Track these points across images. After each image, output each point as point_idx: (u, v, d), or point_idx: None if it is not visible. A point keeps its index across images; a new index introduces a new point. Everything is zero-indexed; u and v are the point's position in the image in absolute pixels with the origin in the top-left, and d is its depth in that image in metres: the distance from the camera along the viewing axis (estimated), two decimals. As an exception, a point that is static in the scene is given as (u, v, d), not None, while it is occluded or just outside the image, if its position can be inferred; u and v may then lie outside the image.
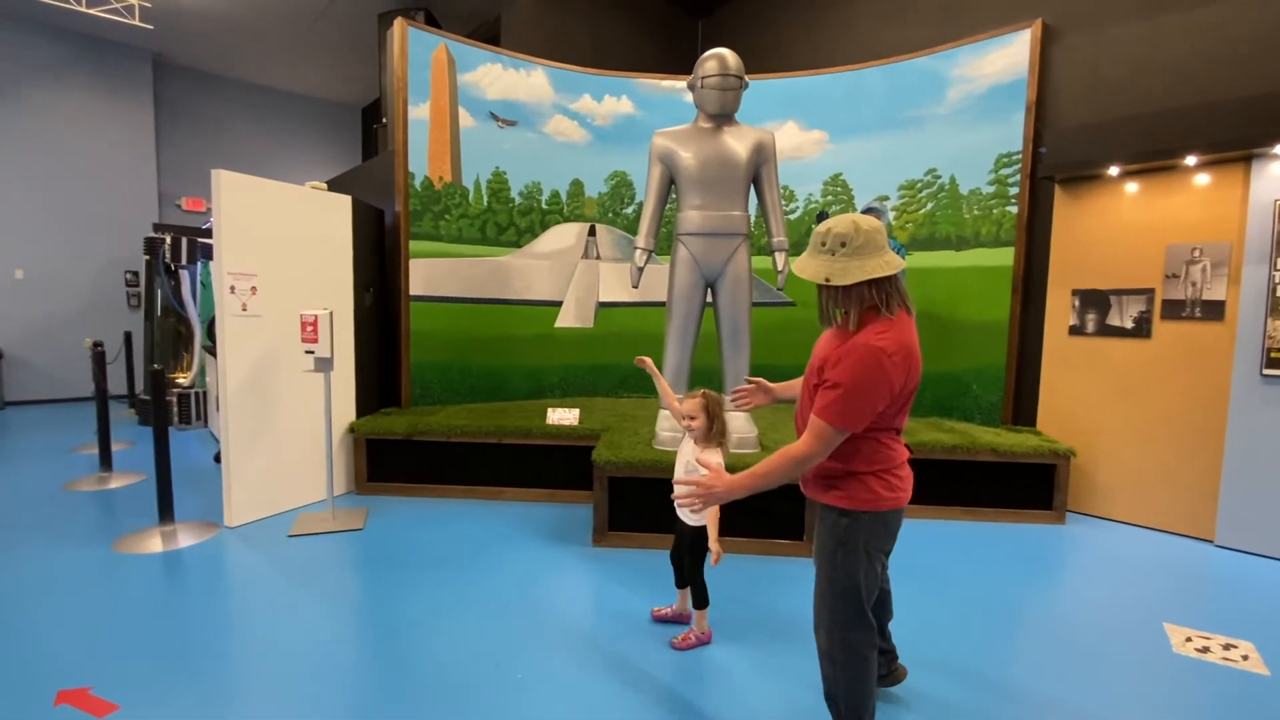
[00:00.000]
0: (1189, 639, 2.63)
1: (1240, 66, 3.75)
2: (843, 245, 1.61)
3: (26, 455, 5.38)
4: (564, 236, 5.61)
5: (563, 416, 4.37)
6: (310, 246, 4.12)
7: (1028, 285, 4.57)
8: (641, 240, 3.82)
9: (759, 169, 3.76)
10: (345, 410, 4.38)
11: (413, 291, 4.87)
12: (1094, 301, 4.20)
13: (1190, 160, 3.74)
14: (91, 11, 6.36)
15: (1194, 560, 3.52)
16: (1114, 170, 4.00)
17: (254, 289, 3.76)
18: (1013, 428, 4.51)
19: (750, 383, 2.16)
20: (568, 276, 5.62)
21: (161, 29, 7.66)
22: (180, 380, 6.79)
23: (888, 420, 1.69)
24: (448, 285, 5.06)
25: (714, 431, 2.38)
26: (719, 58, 3.61)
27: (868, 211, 4.41)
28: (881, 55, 5.26)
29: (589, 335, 5.68)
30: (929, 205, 4.97)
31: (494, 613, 2.77)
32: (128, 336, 7.19)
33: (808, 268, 1.68)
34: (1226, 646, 2.57)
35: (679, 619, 2.68)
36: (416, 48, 4.77)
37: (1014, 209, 4.55)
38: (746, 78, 3.69)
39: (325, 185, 4.43)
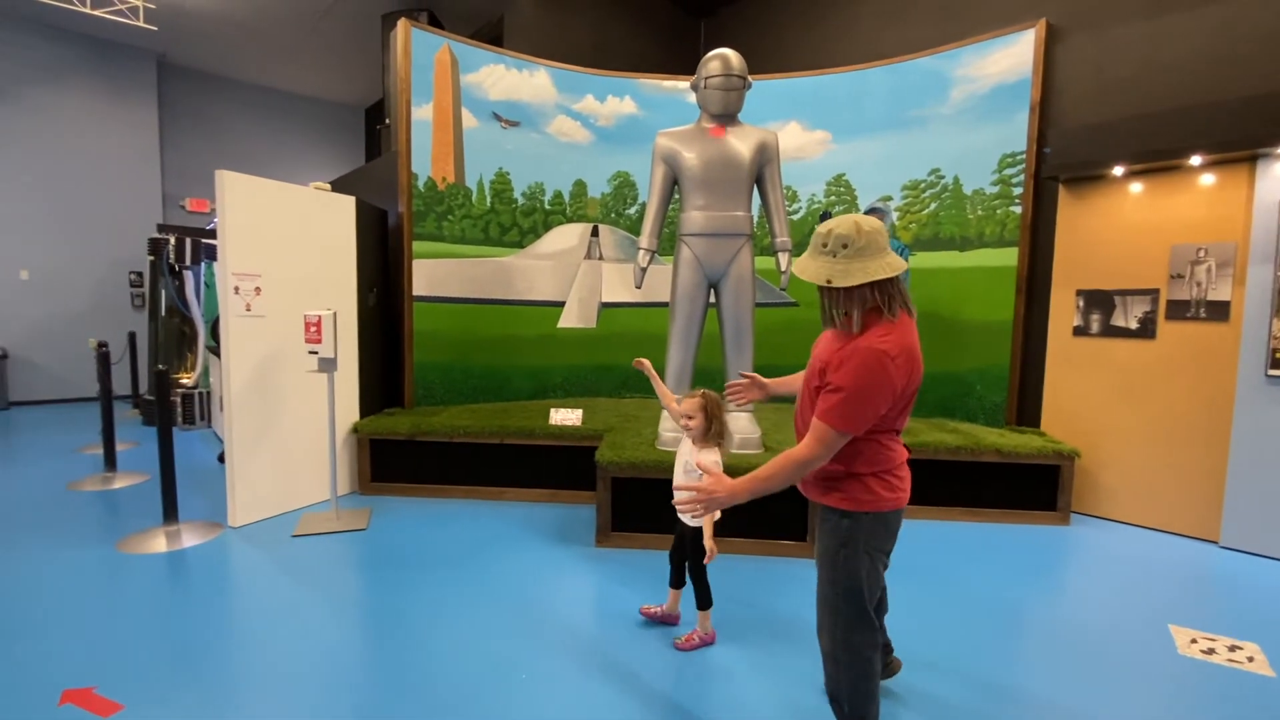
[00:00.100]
0: (1194, 640, 2.62)
1: (1245, 66, 3.74)
2: (844, 247, 1.60)
3: (31, 455, 5.40)
4: (567, 237, 5.61)
5: (565, 417, 4.37)
6: (314, 247, 4.13)
7: (1032, 286, 4.56)
8: (645, 241, 3.82)
9: (762, 169, 3.76)
10: (349, 410, 4.39)
11: (416, 292, 4.88)
12: (1098, 302, 4.19)
13: (1195, 160, 3.73)
14: (96, 13, 6.38)
15: (1199, 561, 3.51)
16: (1118, 170, 3.99)
17: (258, 289, 3.76)
18: (1017, 428, 4.50)
19: (745, 378, 2.16)
20: (570, 277, 5.62)
21: (165, 30, 7.68)
22: (184, 380, 6.81)
23: (889, 422, 1.69)
24: (451, 286, 5.07)
25: (712, 432, 2.39)
26: (722, 58, 3.61)
27: (871, 212, 4.41)
28: (884, 55, 5.25)
29: (592, 336, 5.68)
30: (933, 205, 4.97)
31: (497, 613, 2.77)
32: (132, 337, 7.22)
33: (809, 269, 1.67)
34: (1232, 648, 2.56)
35: (667, 619, 2.67)
36: (420, 48, 4.78)
37: (1018, 209, 4.54)
38: (750, 78, 3.69)
39: (329, 186, 4.43)
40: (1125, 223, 4.08)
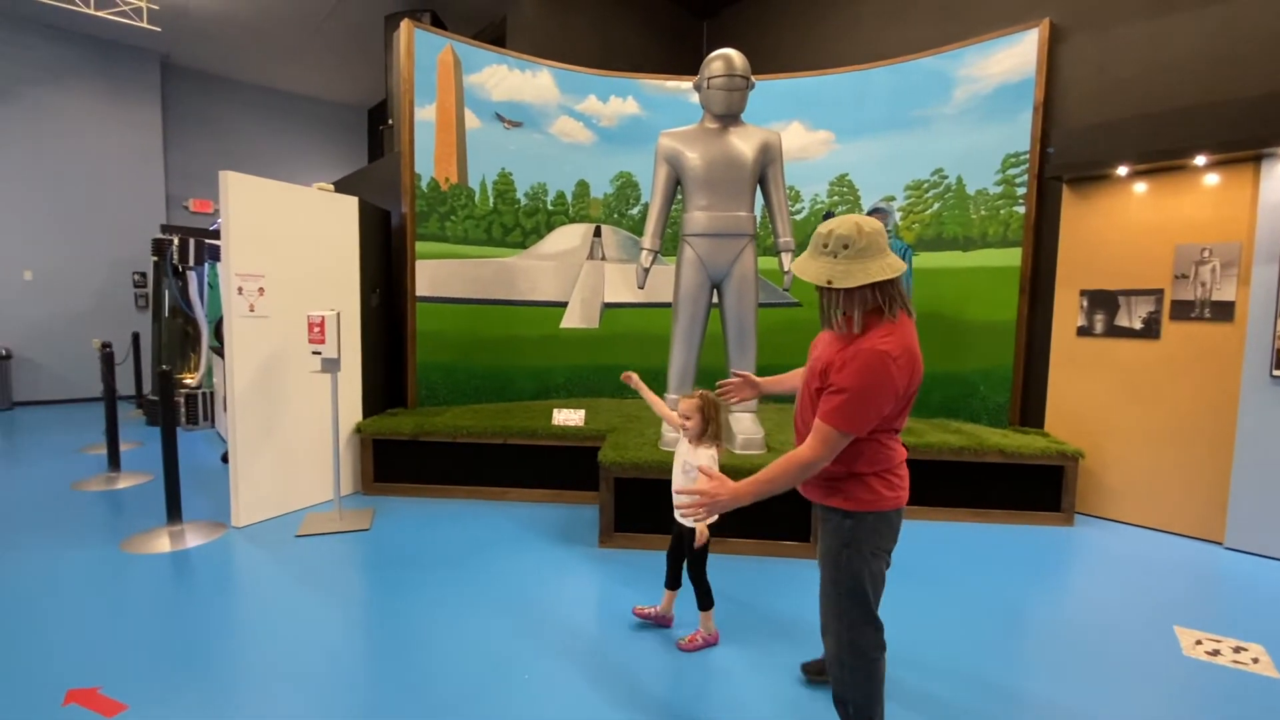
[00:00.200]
0: (1199, 642, 2.61)
1: (1249, 66, 3.73)
2: (845, 247, 1.59)
3: (35, 455, 5.41)
4: (569, 237, 5.62)
5: (568, 417, 4.37)
6: (317, 247, 4.14)
7: (1035, 286, 4.55)
8: (648, 241, 3.82)
9: (765, 169, 3.76)
10: (352, 411, 4.40)
11: (419, 292, 4.88)
12: (1102, 302, 4.18)
13: (1199, 160, 3.72)
14: (99, 14, 6.39)
15: (1203, 562, 3.50)
16: (1122, 170, 3.98)
17: (261, 290, 3.77)
18: (1020, 429, 4.49)
19: (737, 376, 2.17)
20: (573, 277, 5.62)
21: (169, 31, 7.70)
22: (188, 381, 6.82)
23: (889, 422, 1.69)
24: (454, 286, 5.07)
25: (708, 433, 2.39)
26: (725, 58, 3.61)
27: (874, 212, 4.40)
28: (887, 55, 5.25)
29: (594, 336, 5.68)
30: (936, 206, 4.96)
31: (500, 613, 2.77)
32: (135, 337, 7.23)
33: (809, 269, 1.66)
34: (1237, 649, 2.55)
35: (661, 621, 2.67)
36: (423, 49, 4.79)
37: (1021, 209, 4.53)
38: (752, 78, 3.69)
39: (332, 186, 4.44)
40: (1129, 223, 4.07)
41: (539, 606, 2.84)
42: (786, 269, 3.77)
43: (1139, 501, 4.06)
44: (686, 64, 6.78)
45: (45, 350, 7.86)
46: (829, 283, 1.61)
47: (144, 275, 8.41)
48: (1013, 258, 4.58)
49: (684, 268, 3.75)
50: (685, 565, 2.55)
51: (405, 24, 4.72)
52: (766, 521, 3.45)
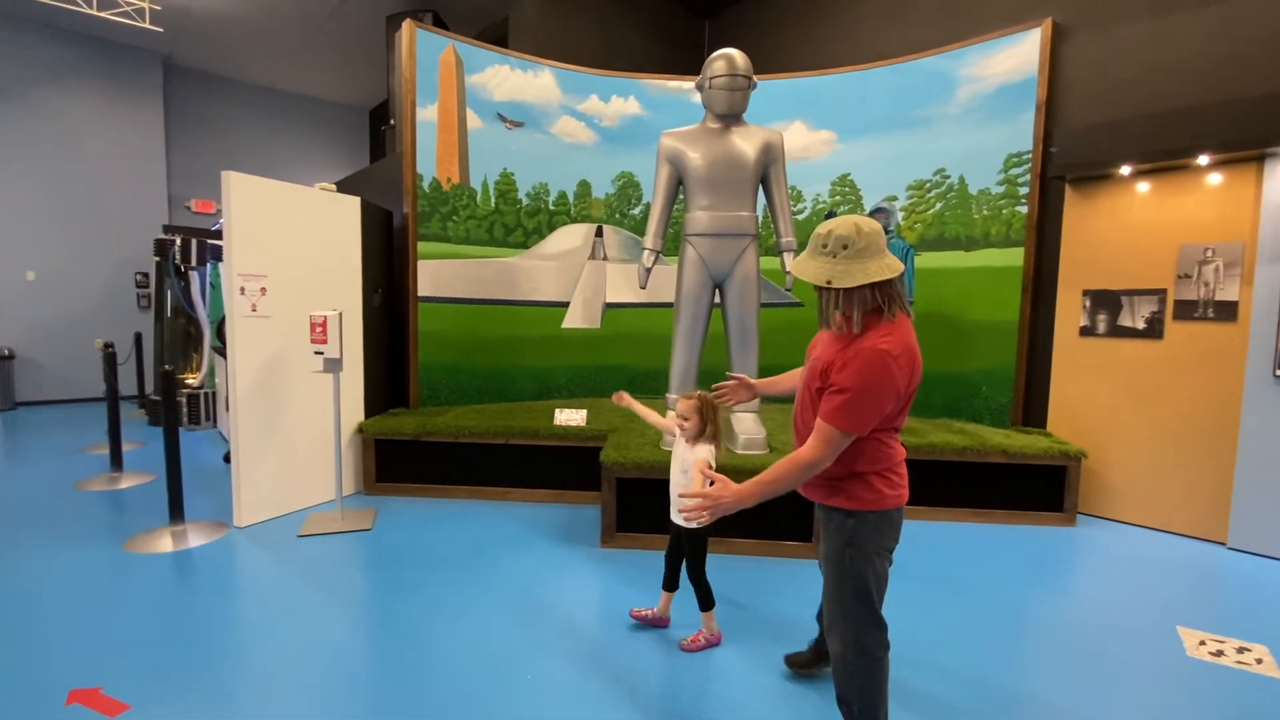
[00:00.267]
0: (1202, 642, 2.61)
1: (1252, 65, 3.72)
2: (844, 248, 1.60)
3: (38, 455, 5.42)
4: (571, 237, 5.62)
5: (570, 417, 4.37)
6: (319, 248, 4.14)
7: (1038, 286, 4.54)
8: (649, 241, 3.82)
9: (767, 169, 3.76)
10: (354, 411, 4.40)
11: (421, 292, 4.88)
12: (1105, 302, 4.17)
13: (1202, 160, 3.71)
14: (102, 15, 6.40)
15: (1206, 563, 3.49)
16: (1125, 170, 3.97)
17: (264, 290, 3.77)
18: (1023, 429, 4.49)
19: (732, 378, 2.17)
20: (575, 277, 5.62)
21: (171, 32, 7.72)
22: (190, 381, 6.83)
23: (889, 420, 1.69)
24: (455, 286, 5.07)
25: (706, 434, 2.40)
26: (727, 58, 3.60)
27: (876, 212, 4.40)
28: (889, 55, 5.24)
29: (596, 336, 5.68)
30: (938, 205, 4.95)
31: (502, 613, 2.77)
32: (138, 337, 7.24)
33: (808, 269, 1.66)
34: (1240, 650, 2.55)
35: (658, 623, 2.66)
36: (425, 49, 4.79)
37: (1024, 209, 4.52)
38: (754, 78, 3.69)
39: (334, 187, 4.44)
40: (1132, 222, 4.06)
41: (541, 606, 2.84)
42: (788, 269, 3.77)
43: (1142, 502, 4.05)
44: (688, 64, 6.78)
45: (48, 350, 7.87)
46: (828, 283, 1.62)
47: (146, 275, 8.42)
48: (1015, 258, 4.57)
49: (686, 268, 3.75)
50: (685, 566, 2.55)
51: (407, 24, 4.72)
52: (767, 521, 3.45)
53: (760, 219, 3.83)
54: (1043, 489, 4.03)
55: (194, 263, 6.30)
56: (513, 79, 5.22)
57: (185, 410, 6.55)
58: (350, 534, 3.67)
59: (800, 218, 5.39)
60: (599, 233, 5.68)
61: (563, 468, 4.29)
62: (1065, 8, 4.39)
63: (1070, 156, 4.15)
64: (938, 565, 3.37)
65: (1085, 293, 4.26)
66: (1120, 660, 2.48)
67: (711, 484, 1.73)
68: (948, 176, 4.89)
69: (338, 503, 3.89)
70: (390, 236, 5.01)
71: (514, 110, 5.26)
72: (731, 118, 3.71)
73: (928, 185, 4.99)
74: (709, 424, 2.39)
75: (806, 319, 5.38)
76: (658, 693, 2.22)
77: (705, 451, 2.37)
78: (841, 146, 5.31)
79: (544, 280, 5.51)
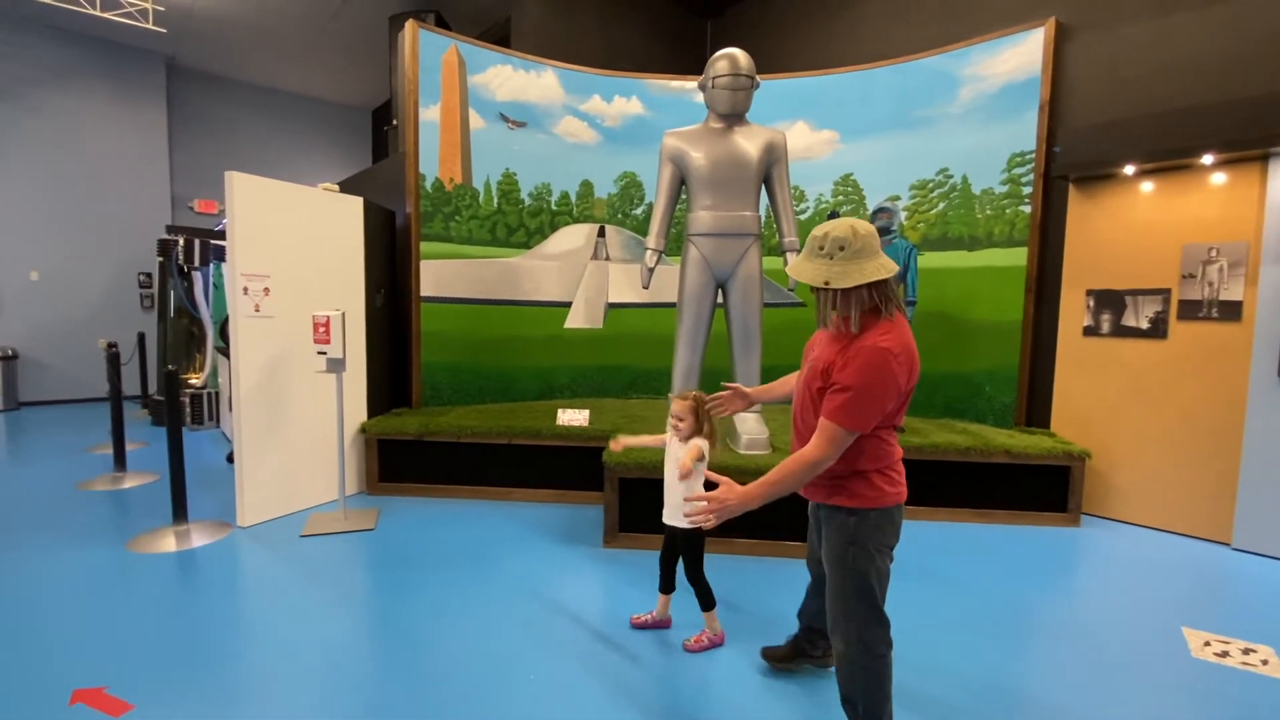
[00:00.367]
0: (1208, 643, 2.60)
1: (1257, 64, 3.71)
2: (841, 249, 1.63)
3: (41, 455, 5.43)
4: (573, 237, 5.62)
5: (573, 417, 4.37)
6: (322, 248, 4.14)
7: (1041, 285, 4.53)
8: (652, 241, 3.82)
9: (770, 169, 3.75)
10: (357, 411, 4.40)
11: (423, 292, 4.89)
12: (1109, 302, 4.16)
13: (1207, 159, 3.70)
14: (105, 15, 6.42)
15: (1211, 563, 3.48)
16: (1129, 169, 3.96)
17: (267, 290, 3.78)
18: (1026, 429, 4.48)
19: (727, 388, 2.18)
20: (577, 277, 5.62)
21: (174, 33, 7.73)
22: (193, 381, 6.84)
23: (889, 418, 1.71)
24: (458, 286, 5.08)
25: (703, 434, 2.41)
26: (730, 58, 3.60)
27: (879, 211, 4.40)
28: (892, 55, 5.23)
29: (598, 336, 5.68)
30: (941, 205, 4.94)
31: (505, 614, 2.77)
32: (141, 337, 7.25)
33: (805, 271, 1.70)
34: (1246, 651, 2.54)
35: (659, 625, 2.66)
36: (427, 50, 4.79)
37: (1027, 209, 4.51)
38: (757, 77, 3.68)
39: (337, 187, 4.45)
40: (1136, 222, 4.05)
41: (543, 607, 2.84)
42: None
43: (1146, 502, 4.04)
44: (690, 64, 6.78)
45: (51, 350, 7.89)
46: (826, 284, 1.65)
47: (149, 276, 8.44)
48: (1018, 257, 4.56)
49: (689, 268, 3.74)
50: (683, 568, 2.55)
51: (410, 25, 4.73)
52: (767, 521, 3.44)
53: (763, 219, 3.82)
54: (1046, 489, 4.02)
55: (197, 263, 6.32)
56: (515, 79, 5.22)
57: (188, 410, 6.57)
58: (353, 534, 3.67)
59: (803, 218, 5.38)
60: (601, 233, 5.68)
61: (565, 468, 4.29)
62: (1068, 7, 4.38)
63: (1074, 156, 4.15)
64: (941, 566, 3.37)
65: (1089, 292, 4.25)
66: (1125, 661, 2.47)
67: (714, 487, 1.73)
68: (951, 176, 4.88)
69: (340, 503, 3.90)
70: (393, 236, 5.02)
71: (516, 110, 5.26)
72: (734, 117, 3.71)
73: (931, 185, 4.98)
74: (704, 424, 2.41)
75: (809, 319, 5.34)
76: (660, 693, 2.22)
77: (699, 440, 2.37)
78: (844, 146, 5.30)
79: (546, 280, 5.51)
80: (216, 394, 6.71)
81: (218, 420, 6.72)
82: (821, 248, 1.67)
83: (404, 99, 4.85)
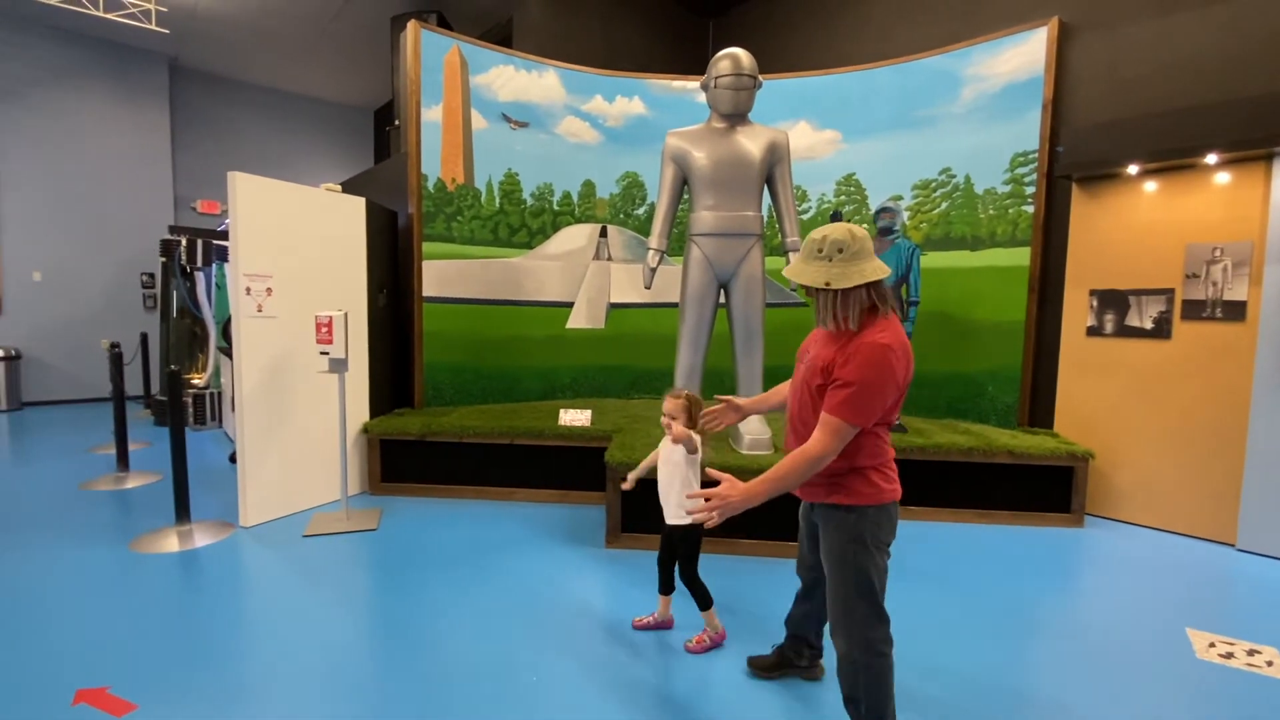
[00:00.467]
0: (1212, 644, 2.59)
1: (1260, 64, 3.70)
2: (840, 251, 1.69)
3: (44, 455, 5.44)
4: (575, 238, 5.62)
5: (575, 418, 4.37)
6: (325, 248, 4.15)
7: (1044, 285, 4.52)
8: (654, 241, 3.82)
9: (772, 169, 3.75)
10: (359, 411, 4.40)
11: (426, 293, 4.89)
12: (1112, 302, 4.15)
13: (1210, 159, 3.69)
14: (108, 16, 6.43)
15: (1215, 564, 3.47)
16: (1133, 169, 3.95)
17: (269, 290, 3.78)
18: (1029, 429, 4.47)
19: (720, 400, 2.19)
20: (579, 278, 5.62)
21: (177, 33, 7.74)
22: (196, 381, 6.85)
23: (886, 415, 1.75)
24: (460, 286, 5.08)
25: (695, 432, 2.40)
26: (733, 57, 3.60)
27: (882, 211, 4.39)
28: (894, 54, 5.23)
29: (600, 336, 5.67)
30: (943, 205, 4.94)
31: (507, 614, 2.76)
32: (144, 338, 7.26)
33: (805, 273, 1.74)
34: (1251, 652, 2.53)
35: (661, 626, 2.65)
36: (429, 50, 4.79)
37: (1030, 208, 4.50)
38: (760, 77, 3.68)
39: (339, 187, 4.45)
40: (1140, 222, 4.04)
41: (546, 607, 2.84)
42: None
43: (1149, 503, 4.03)
44: (692, 64, 6.78)
45: (54, 350, 7.91)
46: (826, 284, 1.69)
47: (152, 276, 8.45)
48: (1021, 257, 4.55)
49: (691, 268, 3.74)
50: (677, 567, 2.55)
51: (412, 25, 4.73)
52: (767, 522, 3.43)
53: (765, 219, 3.82)
54: (1050, 490, 4.01)
55: (199, 263, 6.32)
56: (517, 79, 5.23)
57: (191, 410, 6.58)
58: (355, 534, 3.67)
59: (805, 218, 5.37)
60: (603, 233, 5.68)
61: (567, 468, 4.29)
62: (1071, 7, 4.37)
63: (1077, 156, 4.14)
64: (943, 567, 3.36)
65: (1092, 292, 4.24)
66: (1129, 662, 2.46)
67: (716, 485, 1.73)
68: (953, 176, 4.88)
69: (343, 503, 3.90)
70: (395, 237, 5.02)
71: (518, 110, 5.26)
72: (737, 117, 3.71)
73: (933, 185, 4.97)
74: (697, 422, 2.41)
75: (811, 319, 5.35)
76: (662, 693, 2.22)
77: (694, 433, 2.37)
78: (846, 146, 5.29)
79: (548, 280, 5.51)
80: (219, 394, 6.72)
81: (220, 420, 6.73)
82: (820, 250, 1.71)
83: (406, 99, 4.85)
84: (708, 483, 1.95)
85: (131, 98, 8.29)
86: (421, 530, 3.76)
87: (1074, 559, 3.52)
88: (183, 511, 3.59)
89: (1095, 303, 4.22)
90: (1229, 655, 2.51)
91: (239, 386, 3.69)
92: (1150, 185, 4.00)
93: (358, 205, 4.41)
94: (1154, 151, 3.82)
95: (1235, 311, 3.71)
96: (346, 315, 3.73)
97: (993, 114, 4.65)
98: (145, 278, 8.47)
